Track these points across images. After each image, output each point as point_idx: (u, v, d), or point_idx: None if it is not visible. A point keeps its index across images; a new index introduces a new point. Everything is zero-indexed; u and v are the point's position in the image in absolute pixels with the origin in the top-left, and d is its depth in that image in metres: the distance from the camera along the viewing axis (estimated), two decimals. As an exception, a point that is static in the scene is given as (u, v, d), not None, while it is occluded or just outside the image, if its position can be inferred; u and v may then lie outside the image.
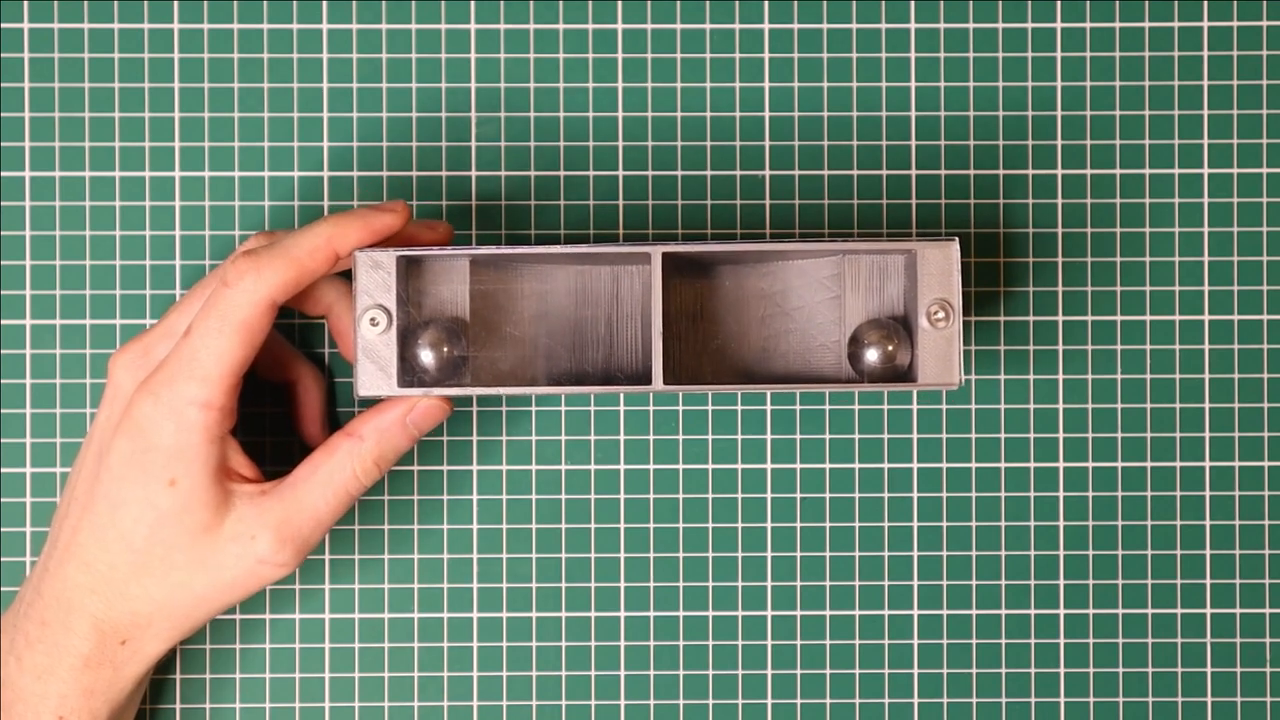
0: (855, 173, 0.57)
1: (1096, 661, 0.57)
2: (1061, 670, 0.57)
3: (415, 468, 0.57)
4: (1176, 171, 0.57)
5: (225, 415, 0.49)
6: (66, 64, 0.57)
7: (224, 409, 0.49)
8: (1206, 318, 0.57)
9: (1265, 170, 0.57)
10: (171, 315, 0.51)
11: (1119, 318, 0.57)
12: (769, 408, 0.57)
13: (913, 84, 0.57)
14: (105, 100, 0.56)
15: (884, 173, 0.57)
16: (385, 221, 0.50)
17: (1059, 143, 0.57)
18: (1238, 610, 0.57)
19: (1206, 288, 0.57)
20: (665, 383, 0.50)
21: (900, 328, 0.51)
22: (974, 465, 0.57)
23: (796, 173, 0.57)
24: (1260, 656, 0.57)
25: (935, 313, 0.50)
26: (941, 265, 0.50)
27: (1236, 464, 0.57)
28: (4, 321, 0.56)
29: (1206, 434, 0.57)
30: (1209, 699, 0.57)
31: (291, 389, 0.56)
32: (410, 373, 0.50)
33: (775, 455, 0.57)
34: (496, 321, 0.52)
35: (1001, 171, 0.57)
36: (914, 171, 0.57)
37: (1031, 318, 0.57)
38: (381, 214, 0.50)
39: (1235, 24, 0.57)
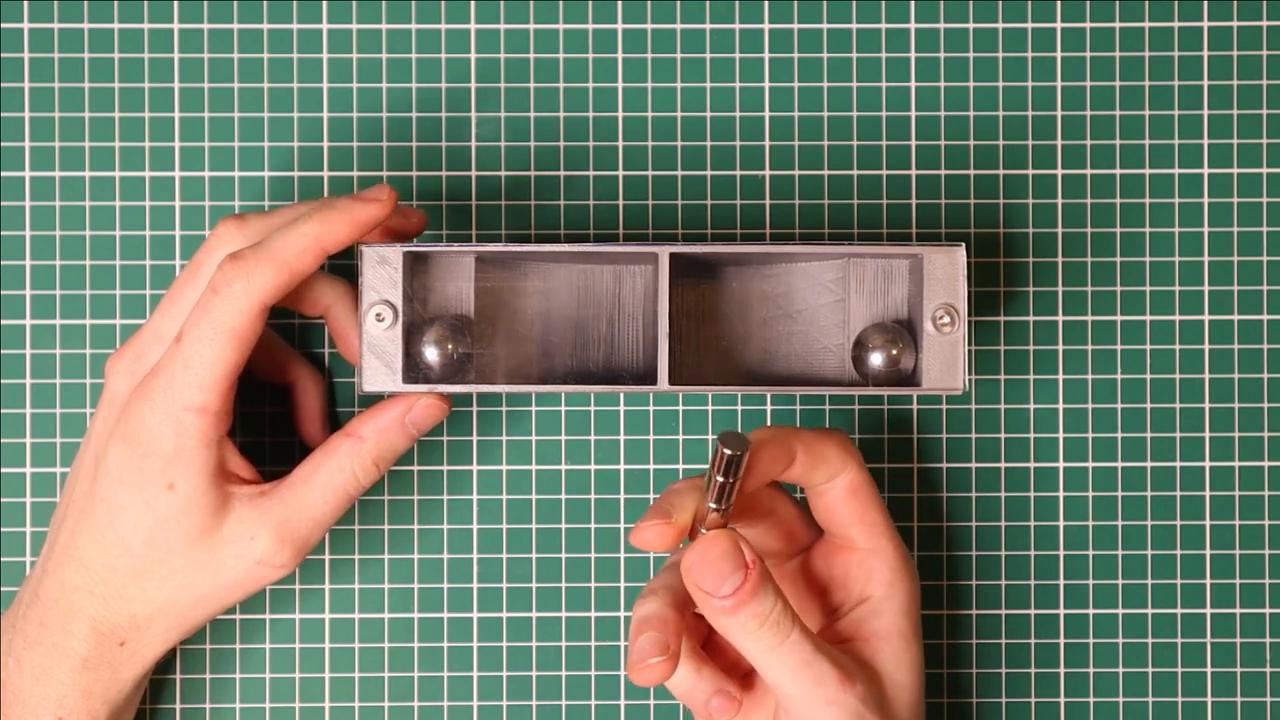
0: (855, 173, 0.57)
1: (1097, 661, 0.57)
2: (1062, 670, 0.57)
3: (415, 468, 0.57)
4: (1176, 171, 0.57)
5: (221, 419, 0.49)
6: (66, 64, 0.56)
7: (220, 413, 0.49)
8: (1206, 318, 0.57)
9: (1265, 170, 0.57)
10: (157, 317, 0.51)
11: (1119, 318, 0.57)
12: (769, 408, 0.57)
13: (913, 84, 0.57)
14: (105, 100, 0.56)
15: (884, 173, 0.57)
16: (371, 213, 0.49)
17: (1059, 143, 0.57)
18: (1238, 610, 0.57)
19: (1206, 288, 0.57)
20: (670, 383, 0.50)
21: (905, 332, 0.51)
22: (974, 465, 0.57)
23: (796, 173, 0.57)
24: (1260, 656, 0.57)
25: (940, 317, 0.50)
26: (947, 270, 0.50)
27: (1236, 464, 0.57)
28: (4, 321, 0.56)
29: (1206, 434, 0.57)
30: (1209, 699, 0.57)
31: (291, 390, 0.56)
32: (415, 369, 0.50)
33: (776, 455, 0.57)
34: (501, 319, 0.52)
35: (1001, 171, 0.57)
36: (914, 171, 0.57)
37: (1031, 318, 0.57)
38: (366, 205, 0.49)
39: (1235, 24, 0.57)
